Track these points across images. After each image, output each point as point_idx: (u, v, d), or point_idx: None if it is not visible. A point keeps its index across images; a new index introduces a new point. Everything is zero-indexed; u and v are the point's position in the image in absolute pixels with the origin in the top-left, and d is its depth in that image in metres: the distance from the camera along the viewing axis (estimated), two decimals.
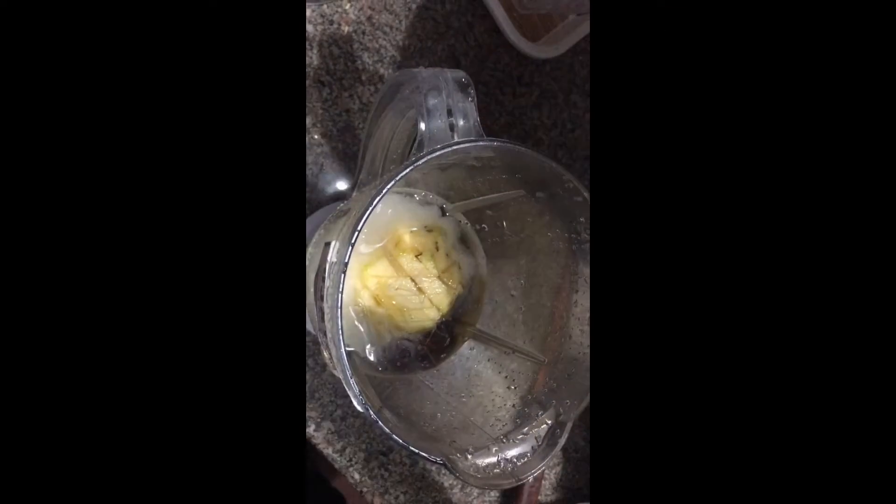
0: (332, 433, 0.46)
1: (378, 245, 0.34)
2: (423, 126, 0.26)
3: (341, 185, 0.46)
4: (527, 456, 0.26)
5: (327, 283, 0.24)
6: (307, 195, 0.45)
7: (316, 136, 0.46)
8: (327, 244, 0.26)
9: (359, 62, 0.46)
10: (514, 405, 0.30)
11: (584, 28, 0.48)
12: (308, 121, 0.45)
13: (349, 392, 0.23)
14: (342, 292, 0.22)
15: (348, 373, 0.22)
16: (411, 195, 0.35)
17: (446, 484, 0.49)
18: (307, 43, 0.45)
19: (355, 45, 0.46)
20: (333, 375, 0.46)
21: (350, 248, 0.22)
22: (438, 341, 0.35)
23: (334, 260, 0.23)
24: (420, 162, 0.23)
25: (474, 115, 0.27)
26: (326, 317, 0.23)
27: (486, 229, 0.36)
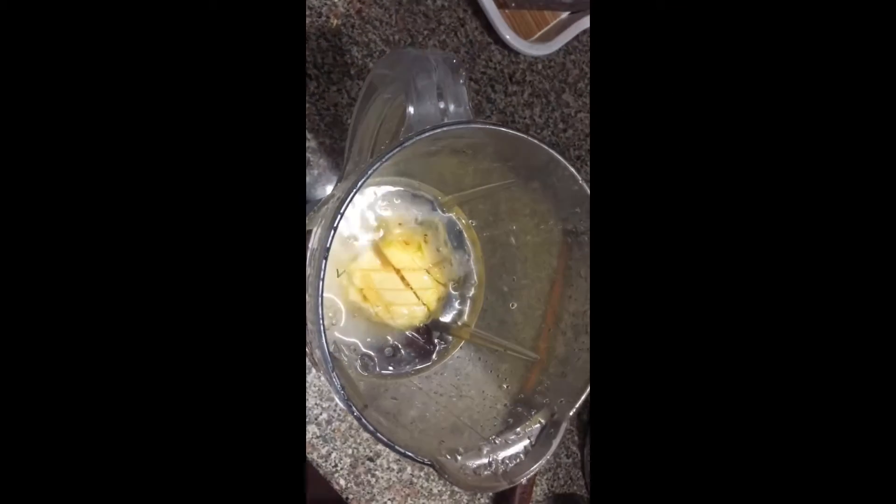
0: (317, 437, 0.44)
1: (365, 236, 0.33)
2: (411, 110, 0.24)
3: (328, 182, 0.44)
4: (519, 457, 0.24)
5: (309, 270, 0.22)
6: None
7: None
8: (309, 231, 0.24)
9: (347, 56, 0.44)
10: (505, 405, 0.29)
11: (577, 26, 0.47)
12: None
13: (332, 388, 0.21)
14: (324, 279, 0.20)
15: (329, 366, 0.20)
16: (401, 187, 0.34)
17: (435, 490, 0.47)
18: None
19: (344, 39, 0.44)
20: (318, 378, 0.44)
21: (332, 231, 0.21)
22: (432, 342, 0.33)
23: (315, 246, 0.22)
24: (408, 143, 0.22)
25: (466, 100, 0.25)
26: (308, 307, 0.21)
27: (477, 224, 0.35)
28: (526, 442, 0.25)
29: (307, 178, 0.44)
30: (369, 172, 0.21)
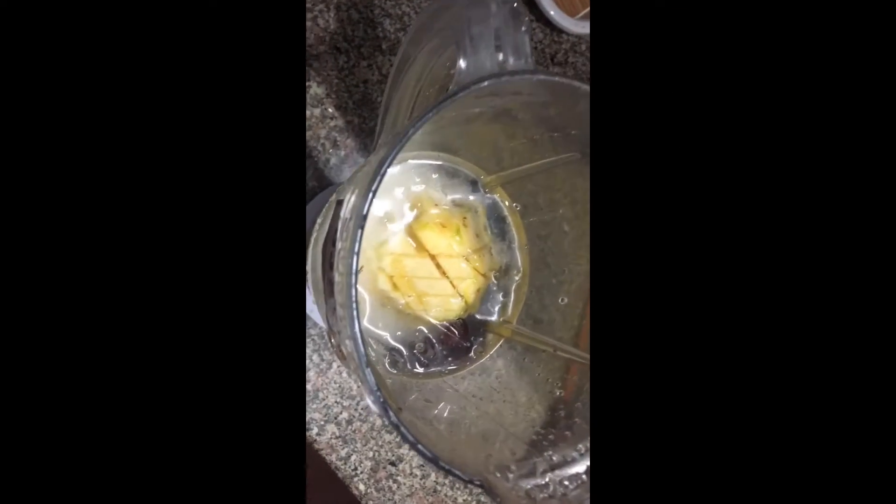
0: (337, 438, 0.40)
1: (396, 217, 0.28)
2: (462, 63, 0.20)
3: (356, 164, 0.40)
4: (581, 478, 0.20)
5: (339, 245, 0.17)
6: (316, 173, 0.39)
7: (329, 109, 0.40)
8: (340, 202, 0.20)
9: (379, 29, 0.40)
10: (560, 414, 0.24)
11: None
12: (321, 91, 0.39)
13: (364, 387, 0.17)
14: (358, 253, 0.16)
15: (363, 361, 0.16)
16: (439, 161, 0.29)
17: (461, 499, 0.42)
18: (324, 5, 0.39)
19: (376, 11, 0.40)
20: (339, 374, 0.40)
21: (370, 196, 0.16)
22: (469, 338, 0.29)
23: (348, 216, 0.17)
24: (462, 93, 0.17)
25: (528, 51, 0.21)
26: (337, 288, 0.17)
27: (522, 208, 0.30)
28: (588, 460, 0.20)
29: (333, 160, 0.40)
30: (417, 126, 0.17)
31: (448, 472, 0.17)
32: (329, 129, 0.40)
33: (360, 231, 0.16)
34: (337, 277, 0.17)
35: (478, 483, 0.17)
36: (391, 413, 0.16)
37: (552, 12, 0.42)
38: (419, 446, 0.16)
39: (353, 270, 0.16)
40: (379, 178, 0.16)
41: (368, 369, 0.16)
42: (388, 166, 0.17)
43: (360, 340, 0.16)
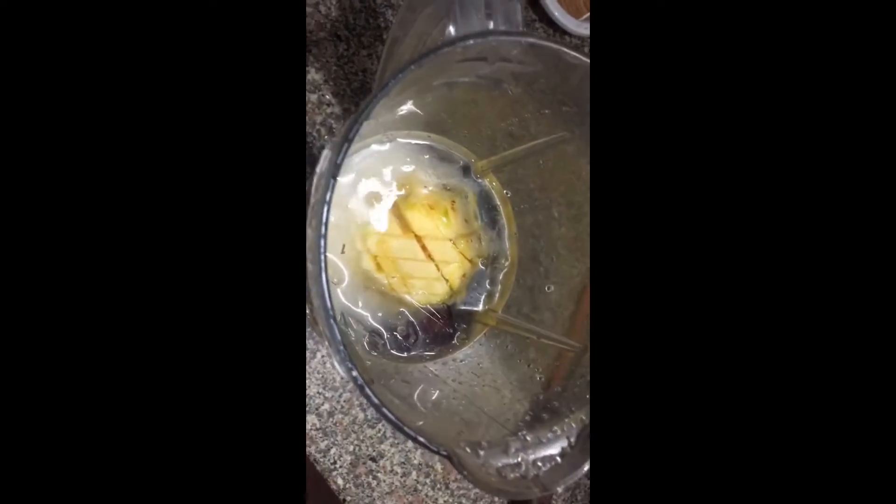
0: (317, 430, 0.39)
1: (384, 196, 0.28)
2: (452, 29, 0.20)
3: None
4: (555, 459, 0.19)
5: (313, 200, 0.17)
6: (310, 159, 0.39)
7: (327, 96, 0.39)
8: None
9: (381, 19, 0.40)
10: (538, 397, 0.23)
11: None
12: (319, 77, 0.39)
13: (330, 347, 0.16)
14: (330, 203, 0.15)
15: (329, 314, 0.15)
16: (429, 142, 0.29)
17: (441, 500, 0.41)
18: None
19: (378, 0, 0.40)
20: (323, 364, 0.39)
21: (346, 144, 0.16)
22: (452, 325, 0.28)
23: (324, 169, 0.17)
24: (446, 49, 0.17)
25: (519, 20, 0.20)
26: (308, 244, 0.16)
27: (514, 195, 0.30)
28: (564, 443, 0.19)
29: (327, 147, 0.39)
30: (399, 77, 0.16)
31: (413, 440, 0.16)
32: (325, 116, 0.39)
33: (332, 181, 0.15)
34: (309, 232, 0.17)
35: (444, 454, 0.16)
36: (356, 373, 0.15)
37: (556, 13, 0.42)
38: (384, 409, 0.15)
39: (324, 221, 0.15)
40: (356, 126, 0.16)
41: (333, 323, 0.15)
42: (366, 117, 0.16)
43: (327, 294, 0.15)
